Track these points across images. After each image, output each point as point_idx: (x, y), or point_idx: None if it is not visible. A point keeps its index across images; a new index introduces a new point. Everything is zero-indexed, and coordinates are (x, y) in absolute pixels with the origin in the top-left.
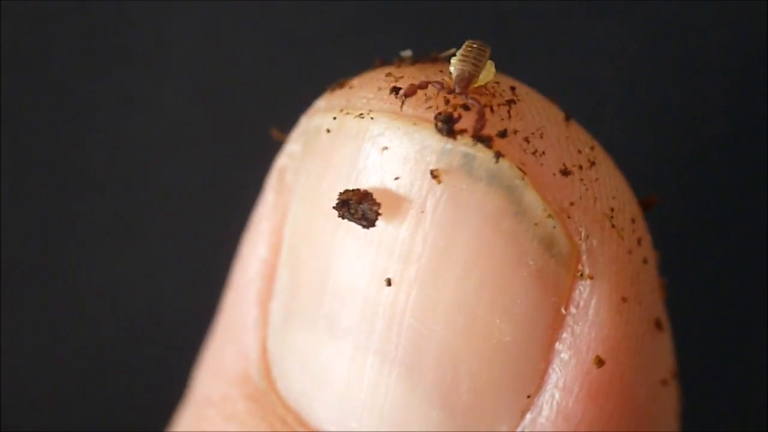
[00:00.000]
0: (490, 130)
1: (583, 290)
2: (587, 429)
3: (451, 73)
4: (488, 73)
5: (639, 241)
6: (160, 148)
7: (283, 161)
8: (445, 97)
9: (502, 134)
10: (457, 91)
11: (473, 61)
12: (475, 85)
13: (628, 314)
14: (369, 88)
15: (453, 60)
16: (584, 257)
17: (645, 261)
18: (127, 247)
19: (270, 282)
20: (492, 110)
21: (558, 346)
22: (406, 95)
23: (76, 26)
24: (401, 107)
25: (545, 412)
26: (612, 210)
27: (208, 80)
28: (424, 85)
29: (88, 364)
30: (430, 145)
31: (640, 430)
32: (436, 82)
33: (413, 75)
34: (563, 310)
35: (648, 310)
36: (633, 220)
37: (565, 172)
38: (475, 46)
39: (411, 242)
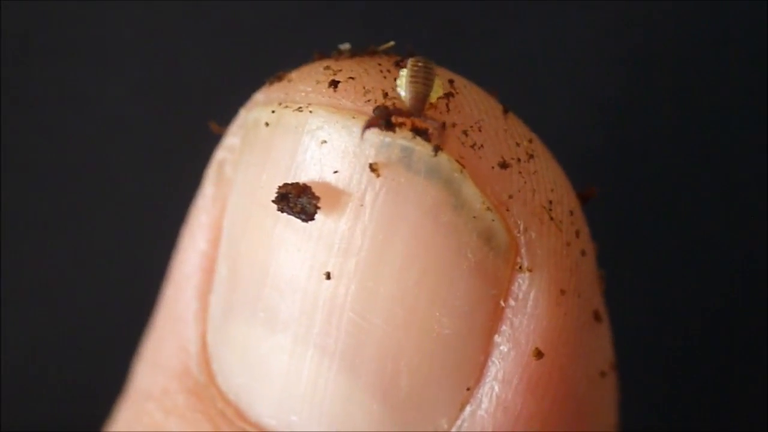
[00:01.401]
0: (428, 124)
1: (522, 283)
2: (526, 421)
3: (399, 93)
4: (437, 90)
5: (577, 233)
6: (98, 140)
7: (221, 154)
8: (383, 90)
9: (441, 127)
10: (414, 113)
11: (424, 81)
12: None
13: (566, 306)
14: (307, 82)
15: (401, 82)
16: (523, 250)
17: (583, 253)
18: (64, 240)
19: (209, 275)
20: (430, 103)
21: (497, 338)
22: (382, 113)
23: (14, 20)
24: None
25: (485, 404)
26: (550, 202)
27: (146, 73)
28: (389, 113)
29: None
30: (369, 138)
31: (579, 422)
32: (395, 108)
33: (351, 68)
34: (502, 303)
35: (586, 302)
36: (571, 213)
37: (504, 165)
38: (421, 64)
39: (350, 236)
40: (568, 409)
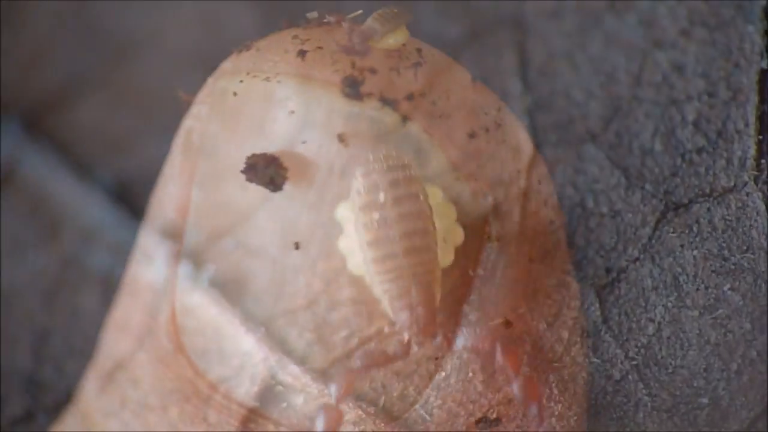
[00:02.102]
0: (396, 94)
1: (490, 252)
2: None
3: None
4: (399, 37)
5: (545, 202)
6: None
7: (189, 123)
8: (351, 60)
9: (409, 97)
10: (355, 44)
11: (382, 21)
12: (379, 46)
13: (535, 275)
14: (276, 51)
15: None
16: (492, 220)
17: (551, 221)
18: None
19: (178, 244)
20: (398, 73)
21: (466, 308)
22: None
23: None
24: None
25: (453, 374)
26: (518, 171)
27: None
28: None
29: None
30: (337, 108)
31: (552, 390)
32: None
33: (320, 37)
34: (471, 273)
35: (555, 270)
36: (539, 182)
37: (472, 135)
38: (395, 10)
39: (318, 206)
40: (539, 378)
